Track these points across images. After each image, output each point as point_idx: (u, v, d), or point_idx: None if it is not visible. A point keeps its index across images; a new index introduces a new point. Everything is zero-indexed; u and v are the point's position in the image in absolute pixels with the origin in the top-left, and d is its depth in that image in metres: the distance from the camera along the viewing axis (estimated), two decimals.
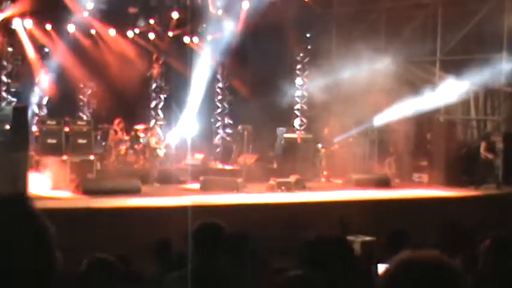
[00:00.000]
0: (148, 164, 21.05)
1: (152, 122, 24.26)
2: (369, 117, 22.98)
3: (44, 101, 23.72)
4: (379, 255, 7.05)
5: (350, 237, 10.82)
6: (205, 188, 18.82)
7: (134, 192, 17.45)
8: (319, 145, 22.69)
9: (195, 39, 25.66)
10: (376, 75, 22.62)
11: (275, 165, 22.98)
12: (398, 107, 22.24)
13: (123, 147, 21.79)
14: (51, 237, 2.18)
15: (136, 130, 22.27)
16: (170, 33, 25.75)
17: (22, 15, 22.09)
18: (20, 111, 17.13)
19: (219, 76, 27.11)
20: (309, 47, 26.23)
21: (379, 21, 24.07)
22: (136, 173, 20.06)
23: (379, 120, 22.99)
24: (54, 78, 23.29)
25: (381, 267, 5.41)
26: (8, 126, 16.38)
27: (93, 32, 24.50)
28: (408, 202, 17.96)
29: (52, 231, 2.21)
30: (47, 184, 18.02)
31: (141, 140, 21.76)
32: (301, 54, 26.28)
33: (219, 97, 27.18)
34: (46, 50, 23.54)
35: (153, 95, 26.81)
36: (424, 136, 23.01)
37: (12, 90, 23.00)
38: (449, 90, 22.28)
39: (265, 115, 22.71)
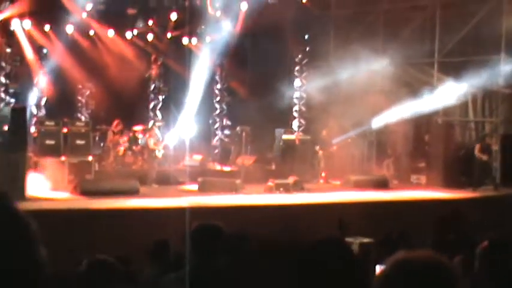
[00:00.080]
0: (147, 165, 21.05)
1: (151, 123, 24.25)
2: (367, 119, 23.00)
3: (43, 102, 23.70)
4: (377, 256, 7.06)
5: (348, 239, 10.83)
6: (203, 189, 18.82)
7: (132, 193, 17.45)
8: (318, 146, 22.71)
9: (194, 40, 25.68)
10: (374, 76, 22.66)
11: (273, 167, 22.99)
12: (397, 108, 22.26)
13: (121, 148, 21.79)
14: (34, 234, 2.17)
15: (135, 131, 22.26)
16: (169, 35, 25.75)
17: (21, 16, 22.08)
18: (19, 112, 17.13)
19: (217, 77, 27.11)
20: (307, 49, 26.24)
21: (377, 22, 24.09)
22: (135, 174, 20.06)
23: (378, 122, 23.00)
24: (52, 79, 23.29)
25: (379, 269, 5.42)
26: (6, 127, 16.38)
27: (91, 33, 24.49)
28: (406, 203, 17.97)
29: (34, 227, 2.20)
30: (45, 185, 18.01)
31: (140, 141, 21.75)
32: (299, 56, 26.29)
33: (218, 98, 27.19)
34: (44, 50, 23.52)
35: (152, 96, 26.80)
36: (422, 138, 23.04)
37: (11, 91, 22.98)
38: (448, 92, 22.30)
39: (263, 116, 22.73)
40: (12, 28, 22.52)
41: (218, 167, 23.51)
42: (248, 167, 21.73)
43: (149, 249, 8.22)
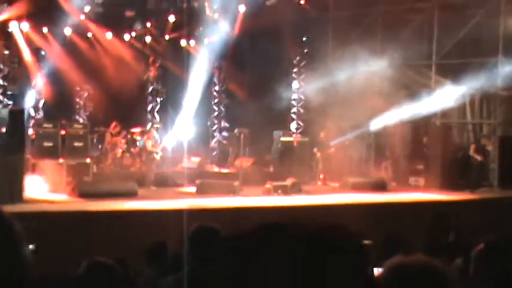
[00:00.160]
0: (145, 167, 21.04)
1: (149, 125, 24.27)
2: (365, 121, 22.99)
3: (40, 104, 23.71)
4: (375, 259, 7.04)
5: None
6: (201, 191, 18.80)
7: (130, 195, 17.43)
8: (316, 148, 22.71)
9: (192, 42, 25.70)
10: (373, 78, 22.66)
11: (271, 169, 23.00)
12: (395, 110, 22.26)
13: (119, 150, 21.79)
14: (18, 235, 2.15)
15: (133, 133, 22.27)
16: (167, 37, 25.78)
17: (19, 18, 22.09)
18: (16, 114, 17.11)
19: (215, 79, 27.14)
20: (305, 51, 26.27)
21: (375, 24, 24.09)
22: (133, 176, 20.04)
23: (376, 124, 23.00)
24: (50, 81, 23.29)
25: (377, 272, 5.41)
26: (4, 129, 16.36)
27: (89, 35, 24.51)
28: (404, 205, 17.96)
29: (18, 229, 2.18)
30: (43, 187, 17.99)
31: (138, 143, 21.75)
32: (297, 58, 26.32)
33: (216, 100, 27.21)
34: (42, 52, 23.53)
35: (150, 98, 26.82)
36: (420, 140, 23.04)
37: (9, 93, 22.97)
38: (445, 94, 22.31)
39: (261, 118, 22.73)
40: (10, 30, 22.54)
41: (216, 169, 23.51)
42: (246, 169, 21.73)
43: (147, 251, 8.21)
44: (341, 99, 22.66)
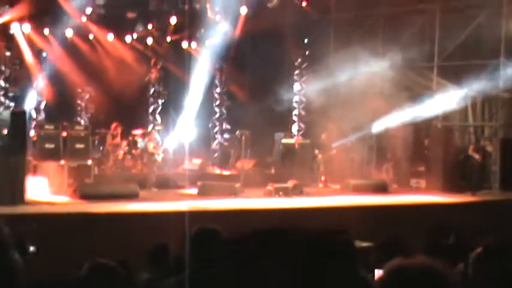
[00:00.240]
0: (146, 169, 21.04)
1: (150, 127, 24.23)
2: (366, 123, 22.98)
3: (42, 106, 23.70)
4: (376, 261, 7.04)
5: None
6: (203, 193, 18.81)
7: (132, 197, 17.44)
8: (317, 150, 22.70)
9: (193, 44, 25.70)
10: (374, 80, 22.67)
11: (273, 171, 23.00)
12: (396, 112, 22.26)
13: (120, 152, 21.80)
14: (6, 239, 2.15)
15: (134, 135, 22.27)
16: (168, 38, 25.77)
17: (20, 20, 22.08)
18: (18, 116, 17.12)
19: (217, 81, 27.14)
20: (306, 53, 26.27)
21: (376, 26, 24.10)
22: (134, 177, 20.04)
23: (377, 126, 23.00)
24: (52, 83, 23.29)
25: (377, 274, 5.42)
26: (5, 131, 16.37)
27: (91, 36, 24.51)
28: (406, 208, 17.96)
29: (6, 231, 2.18)
30: (44, 189, 17.99)
31: (139, 145, 21.76)
32: (299, 60, 26.32)
33: (217, 102, 27.20)
34: (44, 54, 23.52)
35: (151, 99, 26.82)
36: (421, 142, 23.04)
37: (10, 94, 22.97)
38: (447, 96, 22.31)
39: (263, 120, 22.73)
40: (11, 32, 22.52)
41: (218, 171, 23.51)
42: (247, 171, 21.73)
43: (149, 253, 8.21)
44: (342, 101, 22.67)
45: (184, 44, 25.64)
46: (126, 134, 22.23)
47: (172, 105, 25.93)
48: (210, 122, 26.83)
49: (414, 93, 23.26)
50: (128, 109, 23.79)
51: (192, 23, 24.16)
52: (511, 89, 21.70)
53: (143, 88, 26.40)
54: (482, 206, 18.44)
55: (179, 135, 23.85)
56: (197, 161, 23.19)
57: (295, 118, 26.37)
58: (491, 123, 23.09)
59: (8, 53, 22.98)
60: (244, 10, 23.96)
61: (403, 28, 23.08)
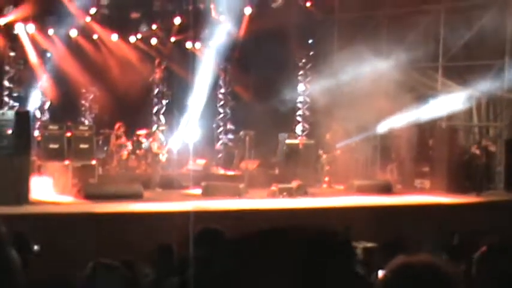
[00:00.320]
0: (150, 169, 21.04)
1: (154, 127, 24.26)
2: (371, 123, 22.96)
3: (46, 106, 23.74)
4: (380, 261, 7.04)
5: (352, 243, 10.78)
6: (207, 194, 18.80)
7: (136, 197, 17.44)
8: (321, 151, 22.69)
9: (197, 44, 25.69)
10: (378, 81, 22.62)
11: (277, 171, 22.98)
12: (401, 113, 22.23)
13: (125, 152, 21.80)
14: (3, 237, 2.13)
15: (138, 135, 22.27)
16: (172, 39, 25.79)
17: (24, 20, 22.11)
18: (22, 116, 17.15)
19: (221, 81, 27.13)
20: (311, 53, 26.27)
21: (381, 27, 24.07)
22: (138, 178, 20.05)
23: (382, 126, 22.98)
24: (56, 83, 23.31)
25: (382, 274, 5.40)
26: (10, 131, 16.39)
27: (95, 37, 24.53)
28: (410, 208, 17.95)
29: (3, 230, 2.16)
30: (49, 189, 18.02)
31: (143, 145, 21.75)
32: (303, 60, 26.32)
33: (221, 102, 27.20)
34: (48, 54, 23.54)
35: (155, 100, 26.83)
36: (426, 142, 23.00)
37: (15, 95, 23.01)
38: (452, 97, 22.28)
39: (267, 121, 22.73)
40: (16, 32, 22.56)
41: (222, 172, 23.51)
42: (252, 172, 21.72)
43: (153, 253, 8.21)
44: (347, 102, 22.63)
45: (189, 45, 25.64)
46: (130, 134, 22.23)
47: (176, 105, 25.94)
48: (214, 123, 26.81)
49: (419, 93, 23.24)
50: (132, 109, 23.80)
51: (196, 24, 24.15)
52: None
53: (147, 88, 26.41)
54: (487, 207, 18.41)
55: (183, 135, 23.85)
56: (201, 162, 23.18)
57: (299, 118, 26.36)
58: (495, 123, 23.06)
59: (12, 53, 23.03)
60: (248, 10, 23.98)
61: (408, 28, 23.06)
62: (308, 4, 24.57)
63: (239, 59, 25.99)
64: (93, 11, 23.08)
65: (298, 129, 26.19)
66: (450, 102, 22.31)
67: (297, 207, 17.12)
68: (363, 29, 23.84)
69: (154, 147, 20.93)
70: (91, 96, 24.77)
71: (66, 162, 19.31)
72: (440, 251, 8.46)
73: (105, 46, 24.83)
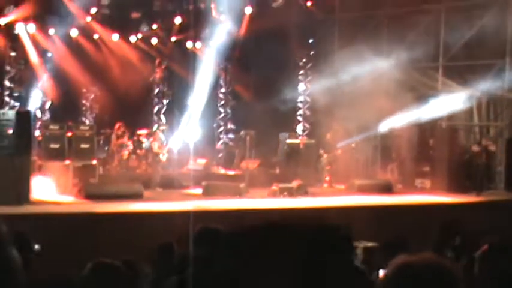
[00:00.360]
0: (151, 169, 21.05)
1: (155, 127, 24.26)
2: (371, 123, 22.96)
3: (47, 106, 23.74)
4: (380, 261, 7.04)
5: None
6: (207, 193, 18.80)
7: (137, 197, 17.44)
8: (322, 150, 22.68)
9: (198, 44, 25.70)
10: (379, 80, 22.62)
11: (277, 171, 22.98)
12: (401, 112, 22.23)
13: (125, 152, 21.81)
14: (4, 236, 2.13)
15: (139, 135, 22.27)
16: (173, 38, 25.79)
17: (25, 20, 22.12)
18: (23, 116, 17.15)
19: (221, 81, 27.14)
20: (311, 53, 26.27)
21: (381, 26, 24.08)
22: (139, 177, 20.05)
23: (382, 126, 22.98)
24: (56, 83, 23.32)
25: (382, 273, 5.40)
26: (10, 131, 16.40)
27: (96, 36, 24.54)
28: (411, 208, 17.94)
29: (4, 229, 2.16)
30: (49, 189, 18.01)
31: (144, 145, 21.76)
32: (303, 60, 26.32)
33: (222, 102, 27.20)
34: (49, 54, 23.55)
35: (156, 99, 26.84)
36: (426, 142, 22.99)
37: (15, 94, 23.01)
38: (452, 96, 22.28)
39: (267, 120, 22.73)
40: (16, 32, 22.57)
41: (222, 171, 23.51)
42: (252, 171, 21.72)
43: (153, 253, 8.22)
44: (347, 101, 22.63)
45: (189, 44, 25.65)
46: (130, 134, 22.23)
47: (176, 105, 25.95)
48: (214, 122, 26.82)
49: (419, 93, 23.24)
50: (133, 109, 23.82)
51: (197, 23, 24.16)
52: None
53: (148, 88, 26.42)
54: (487, 206, 18.41)
55: (184, 135, 23.86)
56: (202, 161, 23.19)
57: (299, 118, 26.37)
58: (496, 123, 23.06)
59: (13, 53, 23.03)
60: (248, 10, 23.99)
61: (408, 28, 23.04)
62: (308, 4, 24.58)
63: (240, 58, 26.00)
64: (93, 10, 23.10)
65: (299, 128, 26.20)
66: (451, 102, 22.31)
67: (297, 207, 17.11)
68: (364, 29, 23.83)
69: (155, 147, 20.94)
70: (92, 96, 24.79)
71: (67, 162, 19.32)
72: (441, 250, 8.45)
73: (106, 46, 24.84)
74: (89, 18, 23.26)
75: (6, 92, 22.90)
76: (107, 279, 4.69)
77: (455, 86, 22.71)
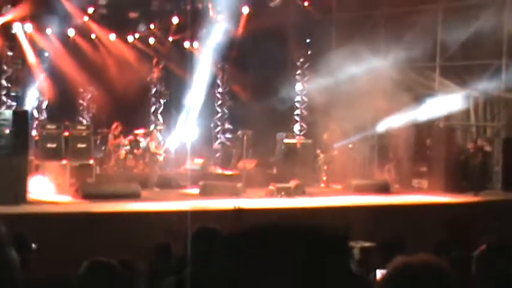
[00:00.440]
0: (148, 169, 21.04)
1: (152, 127, 24.23)
2: (368, 123, 22.99)
3: (44, 105, 23.72)
4: (377, 261, 7.04)
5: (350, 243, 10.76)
6: (204, 193, 18.81)
7: (134, 196, 17.44)
8: (319, 150, 22.69)
9: (195, 44, 25.68)
10: (376, 80, 22.62)
11: (275, 171, 22.99)
12: (398, 112, 22.24)
13: (122, 152, 21.79)
14: (3, 237, 2.13)
15: (136, 135, 22.26)
16: (170, 38, 25.77)
17: (22, 20, 22.09)
18: (20, 116, 17.15)
19: (218, 81, 27.11)
20: (308, 52, 26.26)
21: (378, 26, 24.08)
22: (136, 177, 20.05)
23: (379, 126, 22.99)
24: (53, 83, 23.29)
25: (379, 274, 5.41)
26: (7, 131, 16.39)
27: (93, 36, 24.52)
28: (408, 208, 17.96)
29: (2, 229, 2.16)
30: (46, 188, 18.01)
31: (141, 145, 21.75)
32: (300, 59, 26.31)
33: (219, 102, 27.17)
34: (46, 54, 23.52)
35: (153, 99, 26.80)
36: (423, 142, 23.01)
37: (12, 94, 22.99)
38: (449, 96, 22.29)
39: (265, 120, 22.71)
40: (13, 31, 22.53)
41: (219, 171, 23.50)
42: (249, 171, 21.72)
43: (151, 253, 8.22)
44: (344, 101, 22.61)
45: (186, 44, 25.64)
46: (128, 133, 22.22)
47: (174, 104, 25.93)
48: (211, 122, 26.80)
49: (416, 93, 23.24)
50: (130, 109, 23.80)
51: (194, 23, 24.17)
52: None
53: (145, 88, 26.38)
54: (484, 206, 18.42)
55: (181, 135, 23.85)
56: (199, 161, 23.18)
57: (297, 118, 26.37)
58: (493, 123, 23.07)
59: (10, 53, 23.01)
60: (246, 10, 23.99)
61: (405, 28, 23.03)
62: (306, 3, 24.59)
63: (237, 58, 25.98)
64: (91, 10, 23.09)
65: (296, 128, 26.19)
66: (448, 102, 22.31)
67: (295, 207, 17.12)
68: (361, 29, 23.84)
69: (152, 146, 20.94)
70: (89, 96, 24.76)
71: (64, 161, 19.32)
72: (440, 250, 8.46)
73: (103, 45, 24.82)
74: (86, 18, 23.24)
75: (3, 92, 22.88)
76: (103, 277, 4.69)
77: (452, 86, 22.72)
